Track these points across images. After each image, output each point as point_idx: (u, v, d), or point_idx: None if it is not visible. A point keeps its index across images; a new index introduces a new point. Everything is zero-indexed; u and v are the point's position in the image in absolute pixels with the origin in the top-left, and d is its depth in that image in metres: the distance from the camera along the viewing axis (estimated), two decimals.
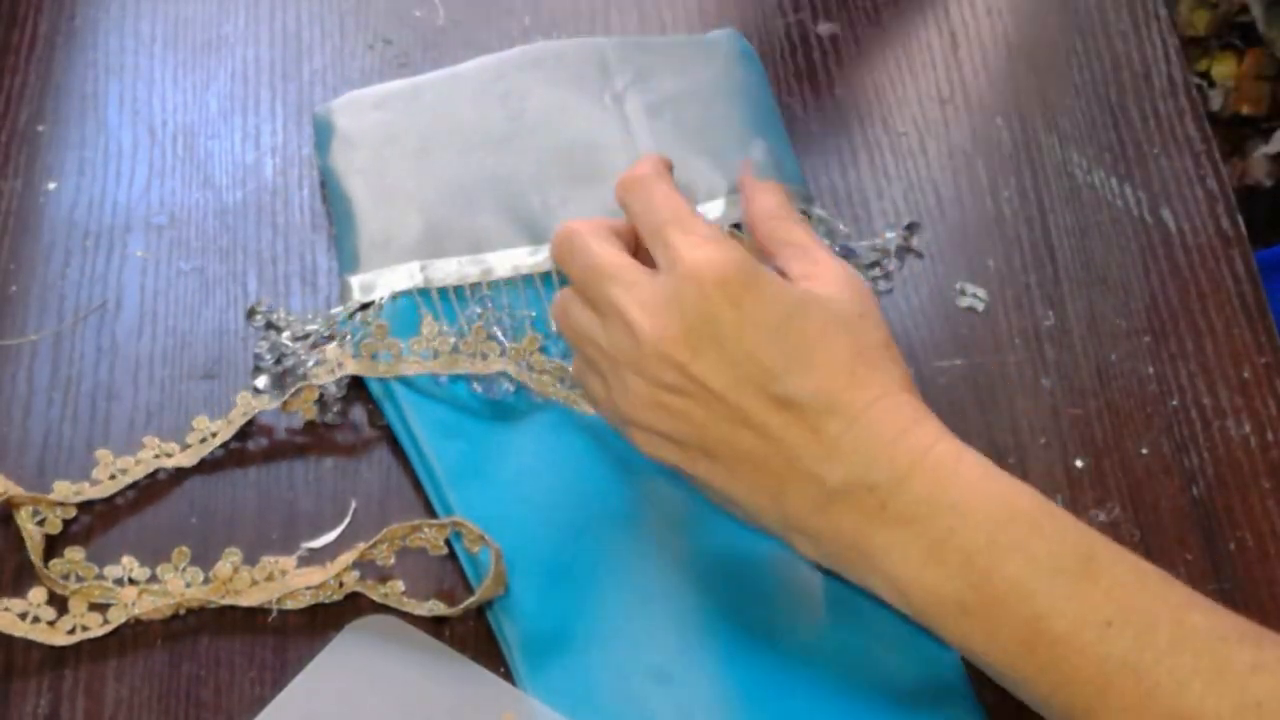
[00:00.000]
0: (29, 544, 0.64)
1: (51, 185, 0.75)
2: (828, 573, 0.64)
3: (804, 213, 0.71)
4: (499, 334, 0.69)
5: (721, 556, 0.65)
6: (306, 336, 0.70)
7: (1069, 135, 0.79)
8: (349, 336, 0.69)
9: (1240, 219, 0.76)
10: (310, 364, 0.69)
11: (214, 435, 0.68)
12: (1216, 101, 1.48)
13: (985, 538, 0.55)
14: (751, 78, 0.78)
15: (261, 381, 0.69)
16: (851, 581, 0.59)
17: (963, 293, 0.73)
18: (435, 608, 0.63)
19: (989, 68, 0.82)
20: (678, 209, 0.60)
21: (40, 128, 0.77)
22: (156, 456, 0.67)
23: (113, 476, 0.67)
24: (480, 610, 0.64)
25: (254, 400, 0.68)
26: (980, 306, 0.73)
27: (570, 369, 0.66)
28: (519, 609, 0.63)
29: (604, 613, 0.64)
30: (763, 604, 0.64)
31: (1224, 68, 1.49)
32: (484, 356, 0.67)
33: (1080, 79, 0.81)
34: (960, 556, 0.55)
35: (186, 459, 0.67)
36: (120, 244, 0.74)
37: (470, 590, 0.64)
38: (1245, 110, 1.48)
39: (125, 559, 0.65)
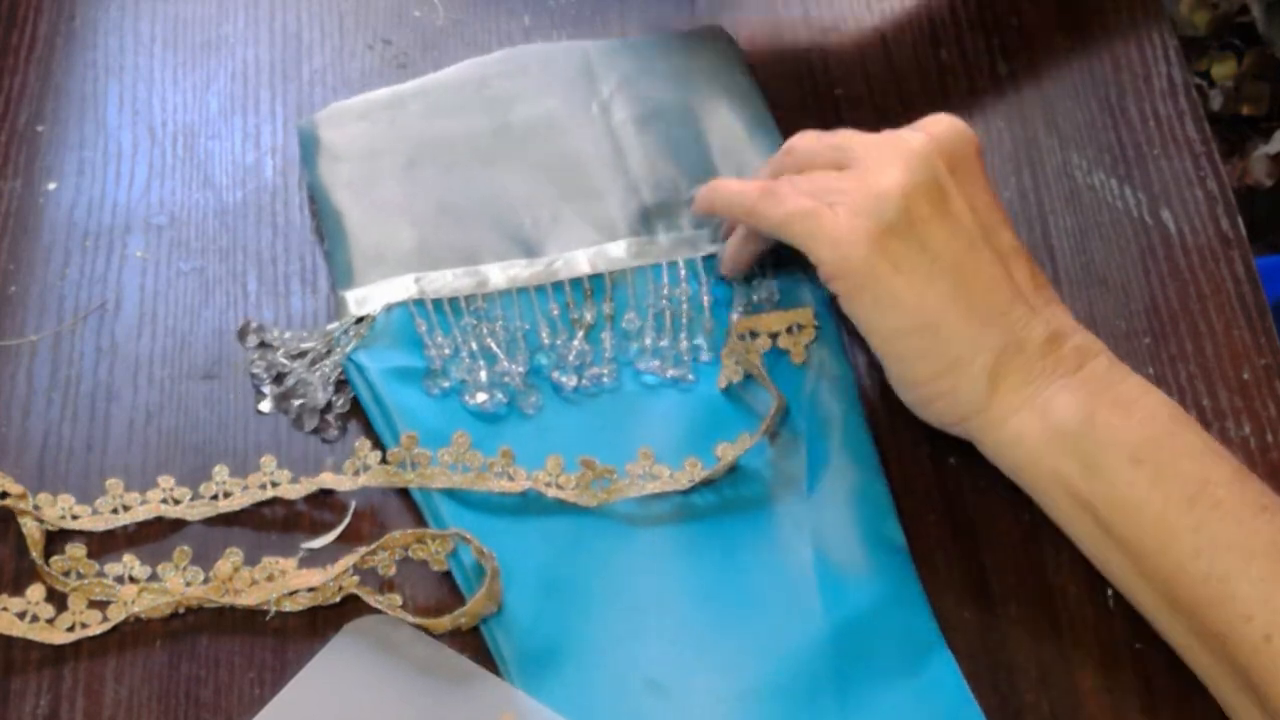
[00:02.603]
0: (29, 541, 0.64)
1: (51, 186, 0.75)
2: (823, 582, 0.64)
3: None
4: (493, 346, 0.69)
5: (715, 568, 0.65)
6: (304, 354, 0.70)
7: (1069, 136, 0.79)
8: (343, 348, 0.69)
9: (1240, 220, 0.76)
10: (312, 380, 0.68)
11: (227, 497, 0.66)
12: (1216, 101, 1.48)
13: (1167, 411, 0.62)
14: (737, 75, 0.77)
15: (265, 405, 0.69)
16: (989, 437, 0.63)
17: None
18: (427, 622, 0.63)
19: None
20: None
21: (40, 128, 0.77)
22: (164, 502, 0.66)
23: (114, 511, 0.66)
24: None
25: (276, 472, 0.67)
26: None
27: (594, 471, 0.66)
28: (513, 623, 0.63)
29: (598, 626, 0.64)
30: (757, 615, 0.64)
31: (1224, 68, 1.49)
32: (510, 478, 0.66)
33: (1080, 79, 0.81)
34: (1145, 413, 0.61)
35: (193, 514, 0.66)
36: (120, 244, 0.74)
37: (464, 604, 0.64)
38: (1245, 110, 1.48)
39: (126, 557, 0.65)
